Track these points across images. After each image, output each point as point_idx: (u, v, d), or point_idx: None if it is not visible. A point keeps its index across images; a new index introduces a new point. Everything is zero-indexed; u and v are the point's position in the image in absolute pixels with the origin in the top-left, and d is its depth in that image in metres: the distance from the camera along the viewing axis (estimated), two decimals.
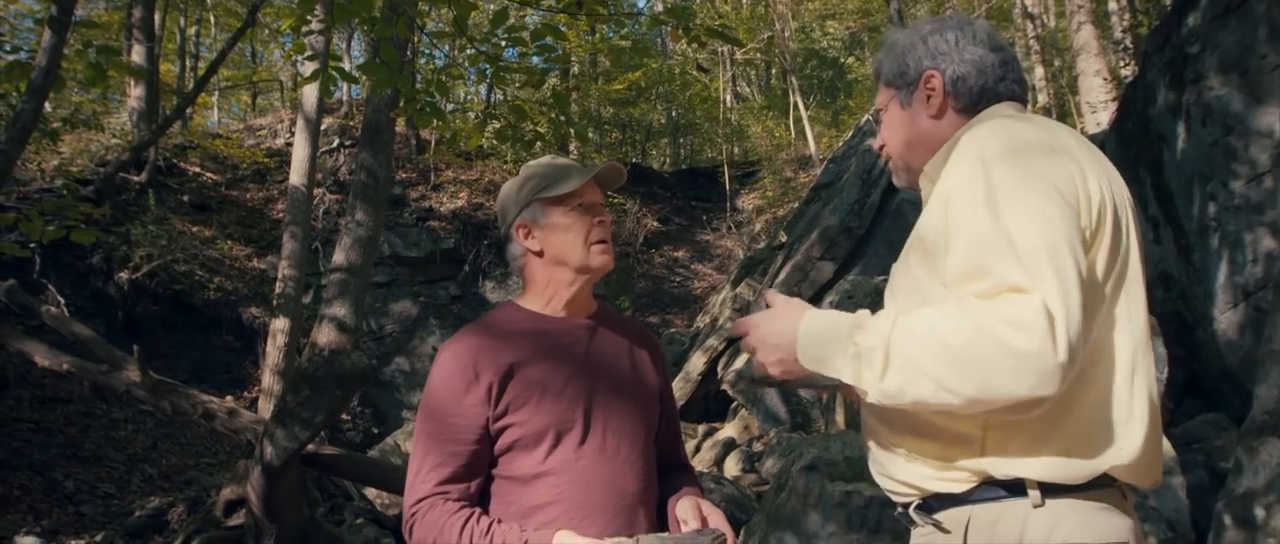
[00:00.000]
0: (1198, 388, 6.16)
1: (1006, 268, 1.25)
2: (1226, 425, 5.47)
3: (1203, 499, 4.85)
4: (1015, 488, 1.36)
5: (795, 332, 1.39)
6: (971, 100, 1.56)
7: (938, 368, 1.24)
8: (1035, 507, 1.35)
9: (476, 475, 1.69)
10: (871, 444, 1.58)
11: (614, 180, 1.83)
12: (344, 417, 10.69)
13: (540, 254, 1.77)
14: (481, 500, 1.71)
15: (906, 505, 1.51)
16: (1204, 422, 5.63)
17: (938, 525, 1.42)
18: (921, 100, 1.59)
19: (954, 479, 1.41)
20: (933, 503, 1.45)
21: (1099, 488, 1.37)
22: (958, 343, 1.23)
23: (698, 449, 8.93)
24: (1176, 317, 6.24)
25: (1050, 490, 1.35)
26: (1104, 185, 1.40)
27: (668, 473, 1.88)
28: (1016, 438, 1.35)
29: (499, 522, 1.65)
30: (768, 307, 1.48)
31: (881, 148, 1.71)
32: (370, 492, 7.26)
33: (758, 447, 8.59)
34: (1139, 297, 1.42)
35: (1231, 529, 3.59)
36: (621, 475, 1.72)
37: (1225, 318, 5.65)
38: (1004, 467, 1.36)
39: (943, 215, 1.39)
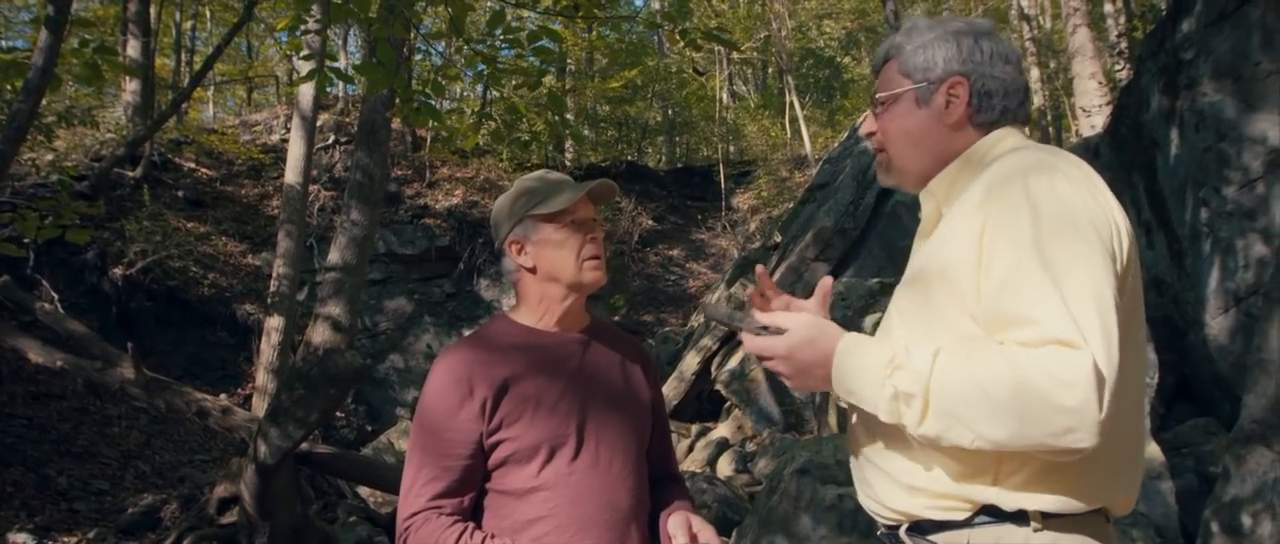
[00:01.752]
0: (1189, 392, 6.20)
1: (1055, 320, 1.22)
2: (1216, 430, 5.50)
3: (1192, 504, 4.88)
4: (1017, 517, 1.37)
5: (831, 355, 1.38)
6: (992, 118, 1.51)
7: (977, 420, 1.23)
8: (1035, 532, 1.36)
9: (470, 490, 1.70)
10: (863, 467, 1.55)
11: (606, 196, 1.85)
12: (338, 414, 10.68)
13: (533, 270, 1.78)
14: (475, 515, 1.72)
15: (894, 527, 1.50)
16: (1194, 426, 5.66)
17: None
18: (940, 105, 1.51)
19: (954, 508, 1.40)
20: (926, 527, 1.44)
21: (1091, 514, 1.40)
22: (999, 395, 1.21)
23: (691, 449, 8.94)
24: (1168, 321, 6.27)
25: (1049, 517, 1.37)
26: (1125, 222, 1.38)
27: (659, 485, 1.89)
28: (1029, 473, 1.35)
29: (492, 537, 1.66)
30: (764, 329, 1.42)
31: (872, 136, 1.61)
32: (363, 490, 7.27)
33: (751, 447, 8.61)
34: (1143, 329, 1.43)
35: (1219, 537, 3.61)
36: (614, 490, 1.74)
37: (1217, 323, 5.68)
38: (1012, 501, 1.37)
39: (974, 249, 1.34)
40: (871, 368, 1.32)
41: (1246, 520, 3.52)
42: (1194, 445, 5.46)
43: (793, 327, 1.41)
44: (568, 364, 1.77)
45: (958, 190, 1.49)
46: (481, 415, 1.68)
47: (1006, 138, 1.52)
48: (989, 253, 1.32)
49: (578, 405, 1.74)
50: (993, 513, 1.38)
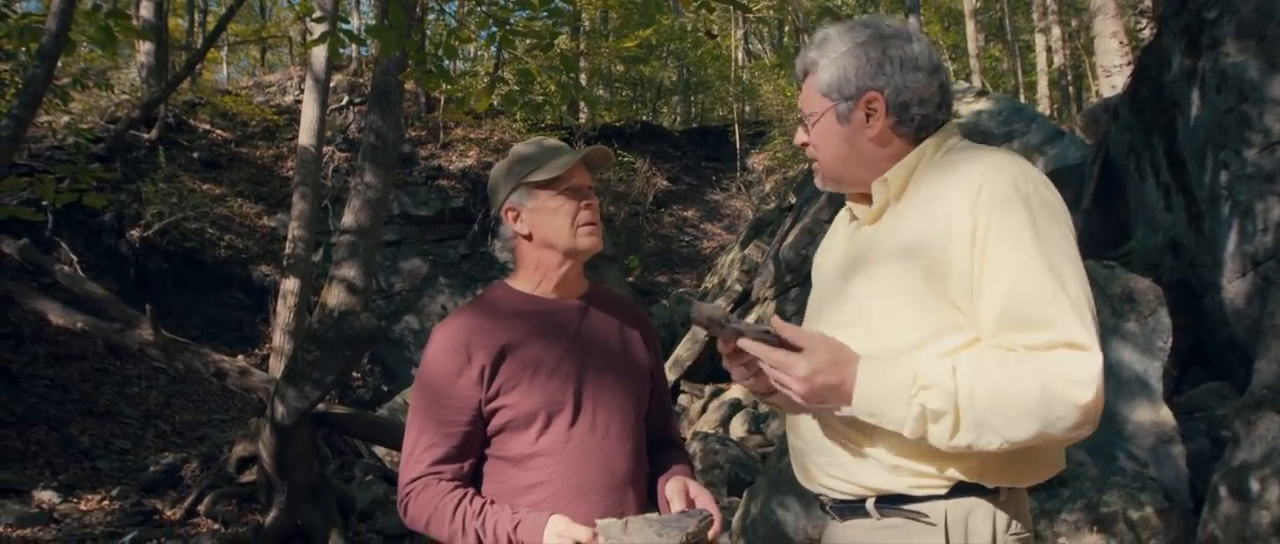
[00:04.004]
0: (1204, 356, 6.17)
1: (1068, 324, 1.32)
2: (1230, 394, 5.47)
3: (1204, 468, 4.87)
4: (992, 489, 1.46)
5: (851, 379, 1.37)
6: (915, 129, 1.52)
7: (1006, 427, 1.31)
8: (1002, 501, 1.46)
9: (469, 456, 1.73)
10: (833, 445, 1.53)
11: (601, 162, 1.85)
12: (354, 375, 10.80)
13: (529, 237, 1.79)
14: (475, 480, 1.75)
15: (857, 500, 1.51)
16: (1208, 390, 5.63)
17: (915, 517, 1.45)
18: (861, 120, 1.51)
19: (935, 486, 1.45)
20: (897, 499, 1.47)
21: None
22: (1027, 401, 1.30)
23: (704, 410, 9.01)
24: (1184, 284, 6.22)
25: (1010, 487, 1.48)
26: None
27: (659, 450, 1.91)
28: (1011, 452, 1.39)
29: (491, 502, 1.68)
30: (780, 341, 1.38)
31: (805, 146, 1.62)
32: (379, 450, 7.37)
33: (763, 408, 8.66)
34: None
35: (1227, 501, 3.62)
36: (612, 455, 1.75)
37: (1233, 287, 5.63)
38: (993, 478, 1.45)
39: (966, 248, 1.38)
40: (896, 390, 1.35)
41: (1254, 485, 3.52)
42: (1207, 409, 5.44)
43: (811, 345, 1.37)
44: (566, 330, 1.79)
45: (914, 183, 1.50)
46: (480, 382, 1.70)
47: (952, 135, 1.55)
48: (992, 255, 1.36)
49: (575, 371, 1.75)
50: (972, 488, 1.45)
